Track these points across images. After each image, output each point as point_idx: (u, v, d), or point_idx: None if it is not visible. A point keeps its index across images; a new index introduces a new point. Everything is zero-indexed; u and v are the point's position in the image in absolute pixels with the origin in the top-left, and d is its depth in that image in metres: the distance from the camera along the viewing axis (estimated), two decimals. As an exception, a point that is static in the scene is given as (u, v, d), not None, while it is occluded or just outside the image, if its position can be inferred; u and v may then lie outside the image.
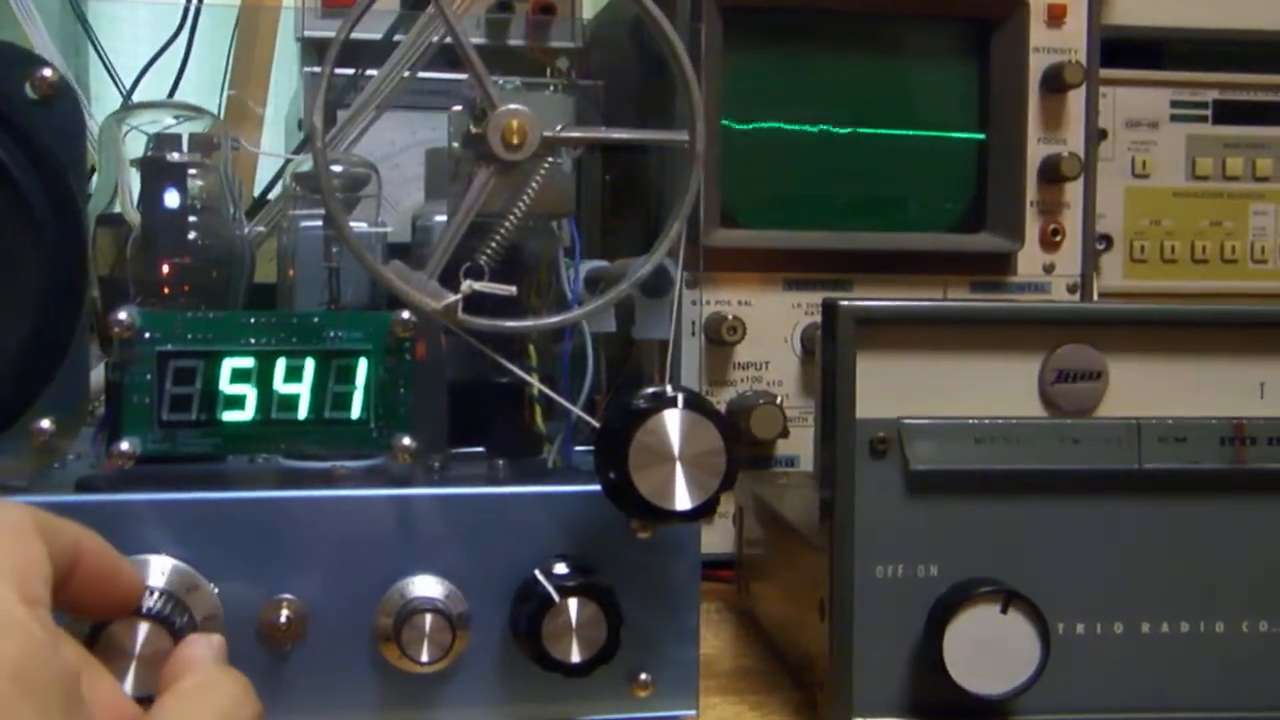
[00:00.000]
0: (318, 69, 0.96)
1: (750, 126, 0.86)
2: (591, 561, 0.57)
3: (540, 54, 0.97)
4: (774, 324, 0.85)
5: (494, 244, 0.55)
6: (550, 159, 0.56)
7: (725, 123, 0.85)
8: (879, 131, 0.87)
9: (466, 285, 0.55)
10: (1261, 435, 0.59)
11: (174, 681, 0.45)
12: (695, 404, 0.53)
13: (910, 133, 0.87)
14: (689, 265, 0.83)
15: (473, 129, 0.56)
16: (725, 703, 0.63)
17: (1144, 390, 0.59)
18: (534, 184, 0.55)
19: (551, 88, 0.67)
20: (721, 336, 0.83)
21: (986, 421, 0.58)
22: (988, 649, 0.56)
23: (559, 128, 0.56)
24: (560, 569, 0.56)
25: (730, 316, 0.83)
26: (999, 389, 0.59)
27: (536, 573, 0.55)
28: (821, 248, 0.85)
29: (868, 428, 0.58)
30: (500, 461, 0.62)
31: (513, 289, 0.55)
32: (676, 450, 0.53)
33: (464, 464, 0.62)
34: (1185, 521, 0.59)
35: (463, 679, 0.57)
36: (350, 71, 0.82)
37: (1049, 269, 0.88)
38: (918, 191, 0.88)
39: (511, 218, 0.55)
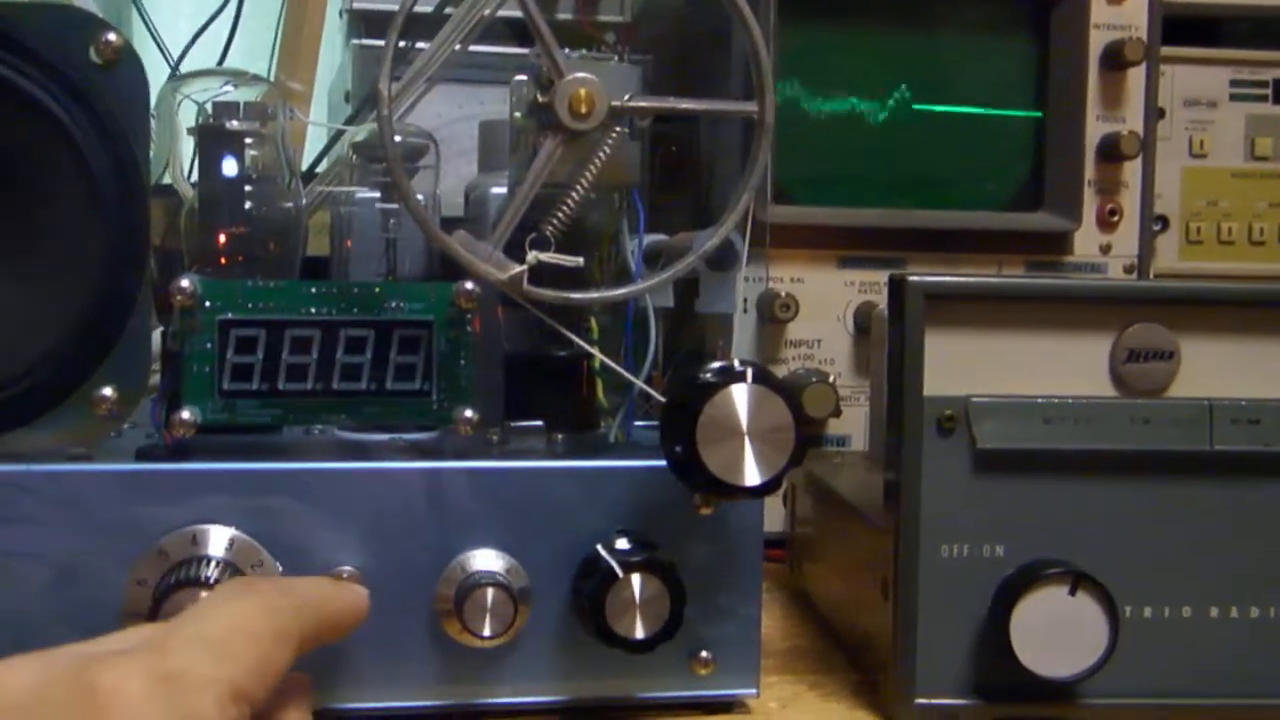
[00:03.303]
0: (369, 41, 0.96)
1: (805, 103, 0.85)
2: (653, 537, 0.56)
3: (589, 28, 0.97)
4: (827, 301, 0.84)
5: (560, 215, 0.55)
6: (617, 129, 0.55)
7: (779, 99, 0.83)
8: (935, 108, 0.86)
9: (533, 256, 0.54)
10: (1336, 417, 0.58)
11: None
12: (764, 378, 0.52)
13: (967, 110, 0.86)
14: (757, 239, 0.83)
15: (540, 98, 0.55)
16: (783, 682, 0.62)
17: (1216, 371, 0.58)
18: (601, 154, 0.55)
19: (616, 58, 0.66)
20: (774, 313, 0.82)
21: (1056, 400, 0.57)
22: (1056, 631, 0.56)
23: (626, 97, 0.55)
24: (623, 544, 0.55)
25: (783, 294, 0.82)
26: (1068, 367, 0.58)
27: (599, 548, 0.55)
28: (875, 225, 0.84)
29: (935, 405, 0.57)
30: (559, 435, 0.61)
31: (580, 260, 0.54)
32: (745, 425, 0.52)
33: (522, 437, 0.61)
34: (1256, 505, 0.58)
35: (523, 654, 0.56)
36: (401, 44, 0.81)
37: (1105, 249, 0.87)
38: (973, 169, 0.86)
39: (578, 188, 0.55)
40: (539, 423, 0.62)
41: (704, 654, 0.58)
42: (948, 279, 0.57)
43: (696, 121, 0.88)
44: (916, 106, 0.86)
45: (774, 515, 0.82)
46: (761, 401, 0.52)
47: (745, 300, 0.83)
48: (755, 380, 0.52)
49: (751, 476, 0.52)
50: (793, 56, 0.84)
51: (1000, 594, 0.56)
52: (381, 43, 0.67)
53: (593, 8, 0.97)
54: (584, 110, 0.54)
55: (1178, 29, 0.95)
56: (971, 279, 0.58)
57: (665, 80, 0.93)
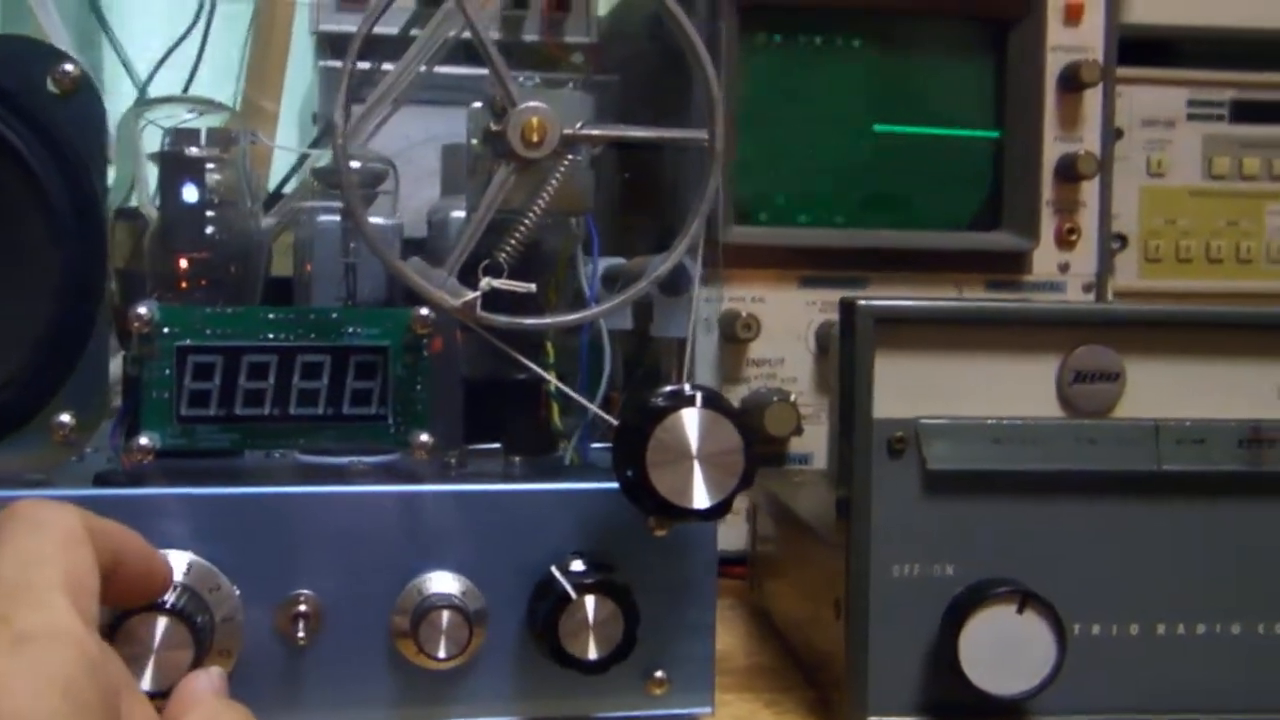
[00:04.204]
0: (334, 63, 0.96)
1: (766, 123, 0.86)
2: (608, 559, 0.57)
3: (555, 49, 0.98)
4: (788, 321, 0.85)
5: (513, 241, 0.55)
6: (570, 157, 0.56)
7: (741, 119, 0.84)
8: (895, 129, 0.87)
9: (485, 282, 0.55)
10: (1278, 436, 0.59)
11: (178, 718, 0.46)
12: (714, 402, 0.53)
13: (926, 130, 0.87)
14: (710, 261, 0.84)
15: (492, 126, 0.56)
16: (740, 700, 0.63)
17: (1162, 391, 0.59)
18: (553, 182, 0.55)
19: (570, 85, 0.67)
20: (736, 333, 0.83)
21: (1004, 422, 0.58)
22: (1004, 649, 0.56)
23: (578, 125, 0.56)
24: (577, 566, 0.56)
25: (745, 314, 0.83)
26: (1016, 389, 0.59)
27: (554, 569, 0.55)
28: (836, 245, 0.85)
29: (885, 427, 0.58)
30: (516, 458, 0.62)
31: (532, 286, 0.55)
32: (695, 449, 0.53)
33: (480, 461, 0.62)
34: (1203, 523, 0.59)
35: (479, 675, 0.57)
36: (366, 66, 0.82)
37: (1064, 268, 0.88)
38: (934, 189, 0.88)
39: (530, 215, 0.55)
40: (497, 446, 0.62)
41: (659, 673, 0.58)
42: (897, 303, 0.58)
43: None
44: (877, 127, 0.87)
45: (738, 533, 0.82)
46: (711, 425, 0.53)
47: (707, 320, 0.84)
48: (705, 404, 0.53)
49: (701, 499, 0.53)
50: (755, 78, 0.85)
51: (949, 613, 0.57)
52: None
53: (559, 29, 0.98)
54: (536, 139, 0.55)
55: (1135, 50, 0.96)
56: (920, 303, 0.59)
57: (632, 101, 0.94)
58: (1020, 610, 0.56)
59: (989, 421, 0.58)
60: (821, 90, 0.86)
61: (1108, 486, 0.59)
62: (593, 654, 0.55)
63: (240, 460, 0.62)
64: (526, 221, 0.55)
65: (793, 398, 0.83)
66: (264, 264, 0.71)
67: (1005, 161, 0.87)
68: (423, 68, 0.79)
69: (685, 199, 0.85)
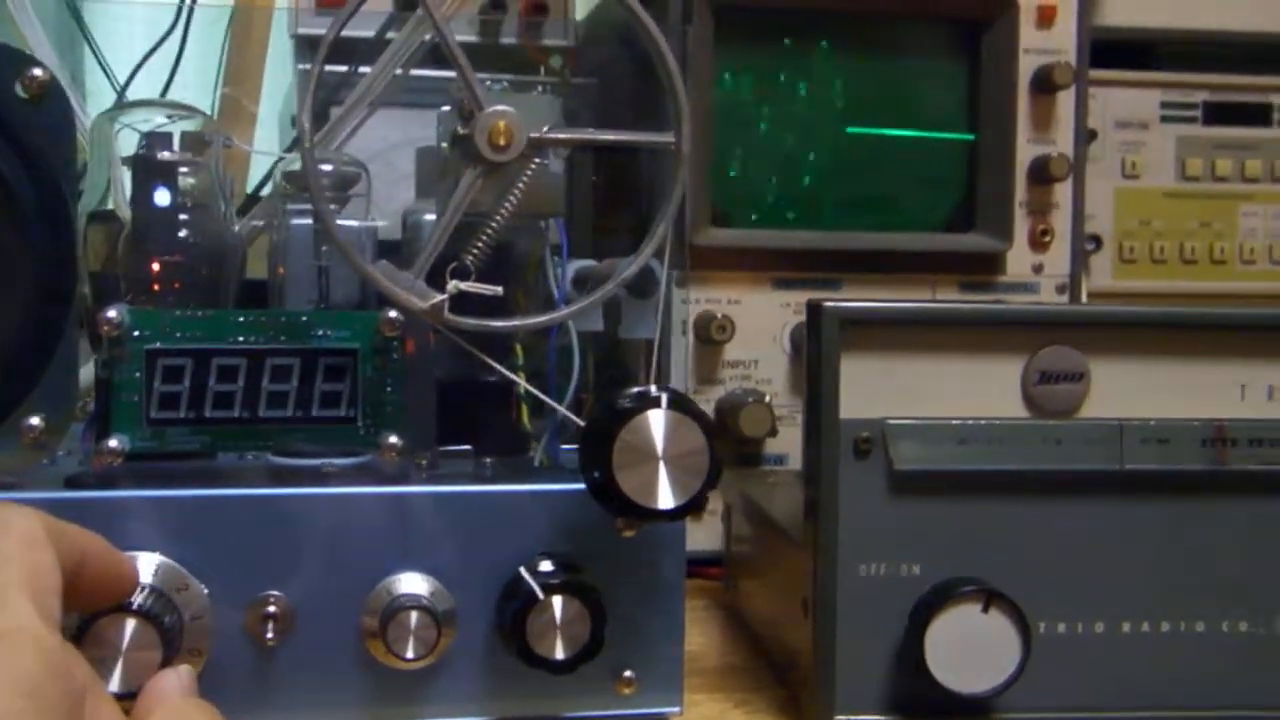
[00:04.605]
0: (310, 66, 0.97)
1: (741, 127, 0.86)
2: (577, 559, 0.57)
3: (533, 52, 0.98)
4: (763, 323, 0.85)
5: (480, 244, 0.56)
6: (537, 160, 0.56)
7: (716, 122, 0.85)
8: (870, 131, 0.87)
9: (452, 285, 0.55)
10: (1242, 437, 0.59)
11: (145, 716, 0.46)
12: (679, 404, 0.53)
13: (901, 133, 0.88)
14: (678, 264, 0.84)
15: (460, 130, 0.56)
16: (710, 700, 0.64)
17: (1126, 392, 0.59)
18: (520, 185, 0.56)
19: (540, 88, 0.67)
20: (711, 335, 0.84)
21: (969, 422, 0.59)
22: (969, 648, 0.57)
23: (545, 129, 0.56)
24: (545, 566, 0.56)
25: (720, 315, 0.84)
26: (982, 390, 0.59)
27: (522, 570, 0.56)
28: (810, 247, 0.86)
29: (852, 428, 0.58)
30: (488, 460, 0.62)
31: (499, 289, 0.56)
32: (660, 450, 0.53)
33: (452, 462, 0.62)
34: (1167, 522, 0.60)
35: (449, 675, 0.57)
36: (344, 69, 0.82)
37: (1038, 269, 0.89)
38: (908, 191, 0.88)
39: (498, 218, 0.56)
40: (468, 447, 0.63)
41: (627, 673, 0.58)
42: (861, 305, 0.59)
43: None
44: (851, 130, 0.87)
45: (715, 534, 0.83)
46: (677, 426, 0.53)
47: (683, 322, 0.85)
48: (670, 406, 0.53)
49: (666, 500, 0.53)
50: (729, 81, 0.85)
51: (915, 612, 0.58)
52: (327, 68, 0.69)
53: (537, 32, 0.98)
54: (503, 142, 0.55)
55: (1110, 52, 0.97)
56: (885, 305, 0.59)
57: (610, 104, 0.95)
58: (985, 609, 0.57)
59: (955, 422, 0.59)
60: (796, 93, 0.87)
61: (1073, 486, 0.59)
62: (560, 654, 0.55)
63: (212, 462, 0.62)
64: (494, 224, 0.56)
65: (767, 399, 0.84)
66: (239, 267, 0.71)
67: (978, 163, 0.88)
68: (399, 71, 0.80)
69: (658, 202, 0.86)
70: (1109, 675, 0.59)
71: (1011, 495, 0.59)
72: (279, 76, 1.07)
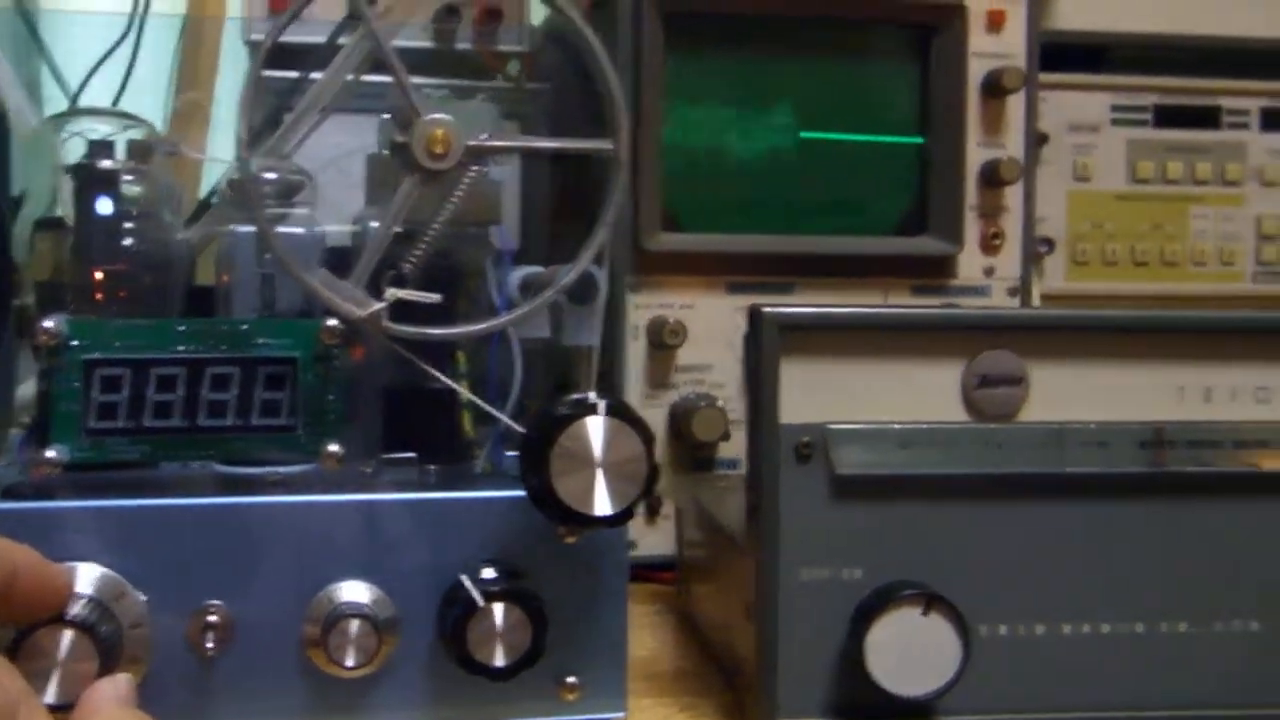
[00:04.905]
0: (266, 73, 0.96)
1: (692, 131, 0.86)
2: (520, 566, 0.57)
3: (489, 59, 0.98)
4: (716, 327, 0.86)
5: (418, 252, 0.56)
6: (475, 168, 0.56)
7: (667, 127, 0.85)
8: (821, 136, 0.88)
9: (390, 293, 0.55)
10: (1180, 438, 0.60)
11: None
12: (617, 411, 0.54)
13: (852, 137, 0.88)
14: (630, 269, 0.84)
15: (397, 138, 0.56)
16: (657, 705, 0.64)
17: (1065, 395, 0.60)
18: (458, 193, 0.56)
19: (480, 96, 0.68)
20: (663, 340, 0.84)
21: (910, 427, 0.59)
22: (909, 651, 0.57)
23: (483, 137, 0.56)
24: (487, 574, 0.56)
25: (672, 320, 0.84)
26: (923, 394, 0.59)
27: (462, 577, 0.56)
28: (763, 251, 0.86)
29: (793, 433, 0.58)
30: (432, 467, 0.62)
31: (436, 296, 0.56)
32: (598, 457, 0.53)
33: (396, 470, 0.62)
34: (1107, 524, 0.60)
35: (391, 683, 0.57)
36: (297, 75, 0.82)
37: (989, 272, 0.89)
38: (861, 195, 0.88)
39: (436, 226, 0.56)
40: (412, 455, 0.63)
41: (571, 679, 0.59)
42: (802, 310, 0.59)
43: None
44: (803, 134, 0.87)
45: (669, 538, 0.83)
46: (614, 434, 0.53)
47: (636, 327, 0.85)
48: (608, 413, 0.53)
49: (603, 507, 0.53)
50: (680, 85, 0.85)
51: (856, 616, 0.58)
52: (279, 74, 0.69)
53: (491, 38, 0.98)
54: (440, 150, 0.55)
55: (1063, 56, 0.97)
56: (824, 310, 0.59)
57: (566, 109, 0.95)
58: (925, 612, 0.57)
59: (896, 426, 0.59)
60: (747, 98, 0.87)
61: (1014, 489, 0.59)
62: (500, 661, 0.55)
63: (154, 472, 0.62)
64: (432, 232, 0.56)
65: (720, 403, 0.84)
66: (186, 275, 0.71)
67: (929, 167, 0.88)
68: (350, 77, 0.79)
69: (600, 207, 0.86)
70: (1050, 677, 0.60)
71: (952, 499, 0.59)
72: (236, 83, 1.07)
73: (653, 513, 0.85)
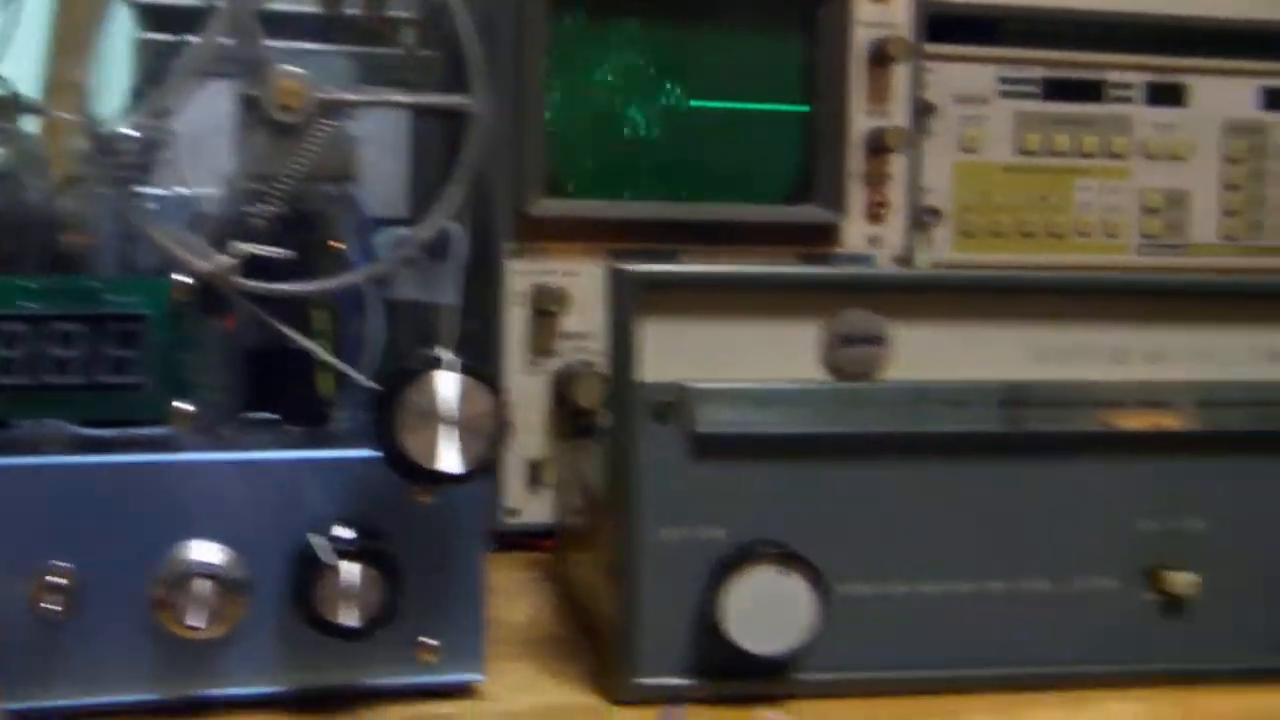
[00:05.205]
0: (151, 35, 0.95)
1: (577, 98, 0.86)
2: (376, 526, 0.57)
3: (378, 24, 0.97)
4: (599, 294, 0.85)
5: (270, 207, 0.55)
6: (328, 122, 0.55)
7: (552, 93, 0.84)
8: (707, 104, 0.87)
9: (239, 248, 0.54)
10: (1039, 399, 0.60)
11: None
12: (465, 367, 0.53)
13: (738, 105, 0.88)
14: (513, 236, 0.84)
15: (248, 91, 0.55)
16: (523, 668, 0.63)
17: (925, 354, 0.60)
18: (310, 148, 0.55)
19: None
20: (546, 307, 0.83)
21: (770, 386, 0.59)
22: (766, 609, 0.57)
23: (337, 90, 0.55)
24: (341, 533, 0.56)
25: (555, 287, 0.83)
26: (783, 354, 0.59)
27: (313, 537, 0.55)
28: (646, 218, 0.85)
29: (652, 391, 0.58)
30: (292, 428, 0.62)
31: (285, 252, 0.55)
32: (446, 412, 0.53)
33: (255, 431, 0.61)
34: (966, 483, 0.60)
35: (244, 646, 0.56)
36: (180, 39, 0.80)
37: (874, 241, 0.90)
38: (746, 163, 0.88)
39: (288, 181, 0.55)
40: (273, 415, 0.62)
41: (428, 641, 0.58)
42: (661, 269, 0.59)
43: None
44: (689, 102, 0.87)
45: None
46: (463, 389, 0.53)
47: (519, 293, 0.84)
48: (457, 369, 0.53)
49: (451, 463, 0.53)
50: (565, 50, 0.85)
51: (714, 575, 0.58)
52: (163, 38, 0.67)
53: (380, 4, 0.97)
54: (291, 103, 0.54)
55: (954, 27, 0.98)
56: (684, 269, 0.59)
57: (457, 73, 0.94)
58: (782, 571, 0.57)
59: (755, 386, 0.59)
60: (633, 65, 0.87)
61: (873, 448, 0.60)
62: (352, 621, 0.55)
63: (6, 431, 0.60)
64: (283, 187, 0.55)
65: (602, 370, 0.83)
66: (50, 239, 0.69)
67: (814, 136, 0.88)
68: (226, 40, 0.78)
69: (490, 166, 0.85)
70: (910, 635, 0.60)
71: (813, 458, 0.59)
72: (116, 47, 1.05)
73: (535, 480, 0.85)
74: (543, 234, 0.84)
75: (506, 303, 0.84)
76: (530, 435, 0.85)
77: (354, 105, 0.56)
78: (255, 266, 0.57)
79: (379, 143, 0.81)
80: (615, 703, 0.59)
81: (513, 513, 0.85)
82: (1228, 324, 0.62)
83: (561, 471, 0.81)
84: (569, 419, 0.84)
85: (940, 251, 0.99)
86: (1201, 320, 0.62)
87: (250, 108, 0.56)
